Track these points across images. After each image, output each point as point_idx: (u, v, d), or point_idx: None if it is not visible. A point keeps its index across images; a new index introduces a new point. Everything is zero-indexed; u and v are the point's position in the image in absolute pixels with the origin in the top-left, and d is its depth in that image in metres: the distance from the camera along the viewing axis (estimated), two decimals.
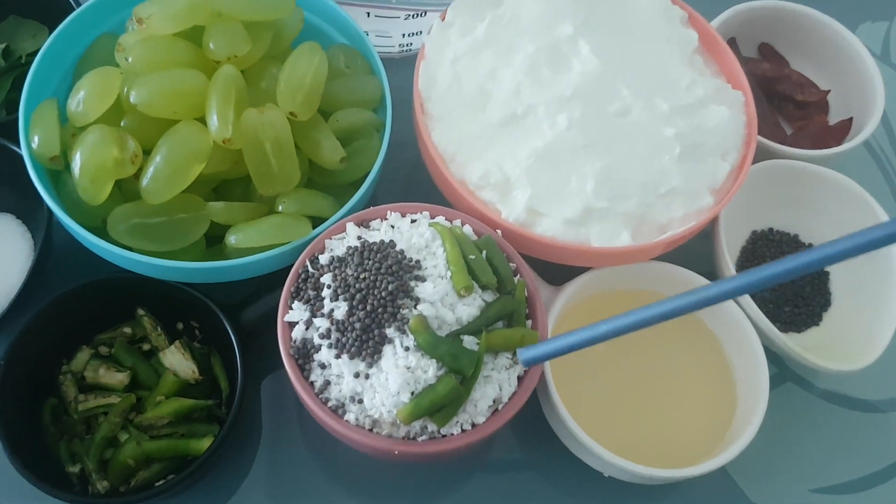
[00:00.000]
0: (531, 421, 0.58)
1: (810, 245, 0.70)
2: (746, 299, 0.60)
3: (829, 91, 0.76)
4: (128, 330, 0.61)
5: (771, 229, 0.71)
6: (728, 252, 0.62)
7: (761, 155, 0.66)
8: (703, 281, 0.61)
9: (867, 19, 0.88)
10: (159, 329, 0.60)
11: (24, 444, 0.54)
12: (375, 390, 0.49)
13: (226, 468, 0.60)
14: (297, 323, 0.52)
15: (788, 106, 0.77)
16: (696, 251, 0.64)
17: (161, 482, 0.55)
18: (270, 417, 0.62)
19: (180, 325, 0.62)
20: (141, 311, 0.60)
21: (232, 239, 0.55)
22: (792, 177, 0.68)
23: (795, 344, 0.60)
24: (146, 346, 0.61)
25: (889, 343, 0.61)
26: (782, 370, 0.67)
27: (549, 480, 0.62)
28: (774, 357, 0.63)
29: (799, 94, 0.76)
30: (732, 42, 0.78)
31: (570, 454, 0.58)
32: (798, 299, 0.67)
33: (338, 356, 0.49)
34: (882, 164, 0.79)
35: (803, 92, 0.76)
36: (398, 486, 0.61)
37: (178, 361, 0.58)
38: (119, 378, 0.58)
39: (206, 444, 0.55)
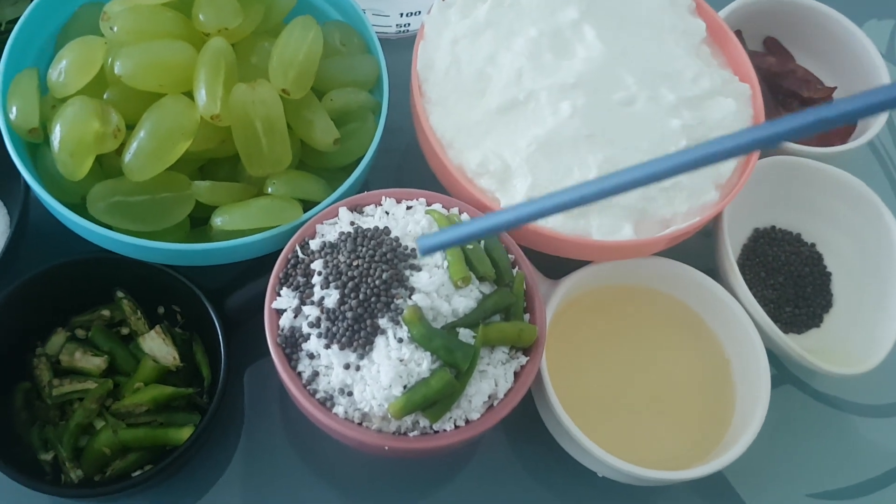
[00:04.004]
0: (523, 417, 0.56)
1: (813, 245, 0.69)
2: (749, 299, 0.58)
3: (835, 88, 0.75)
4: (106, 313, 0.58)
5: (773, 227, 0.69)
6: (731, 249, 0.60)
7: (764, 151, 0.65)
8: (705, 277, 0.60)
9: (873, 17, 0.87)
10: (139, 313, 0.58)
11: None
12: (366, 383, 0.47)
13: (206, 460, 0.58)
14: (286, 310, 0.49)
15: (793, 102, 0.75)
16: (696, 248, 0.62)
17: (138, 472, 0.53)
18: (253, 408, 0.60)
19: (161, 310, 0.60)
20: (120, 294, 0.58)
21: (218, 220, 0.53)
22: (796, 174, 0.66)
23: (797, 346, 0.58)
24: (125, 331, 0.59)
25: (892, 347, 0.59)
26: (781, 372, 0.66)
27: (541, 480, 0.60)
28: (773, 358, 0.62)
29: (804, 91, 0.74)
30: (738, 35, 0.76)
31: (563, 453, 0.56)
32: (799, 300, 0.66)
33: (327, 346, 0.47)
34: (885, 163, 0.78)
35: (809, 88, 0.74)
36: (385, 482, 0.59)
37: (157, 347, 0.56)
38: (96, 363, 0.56)
39: (185, 434, 0.53)
